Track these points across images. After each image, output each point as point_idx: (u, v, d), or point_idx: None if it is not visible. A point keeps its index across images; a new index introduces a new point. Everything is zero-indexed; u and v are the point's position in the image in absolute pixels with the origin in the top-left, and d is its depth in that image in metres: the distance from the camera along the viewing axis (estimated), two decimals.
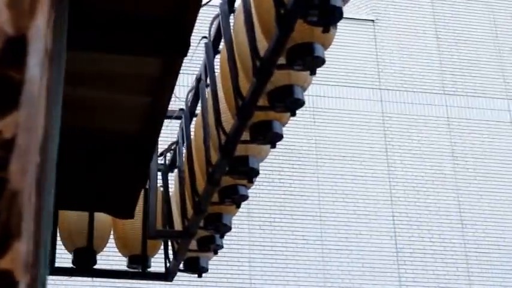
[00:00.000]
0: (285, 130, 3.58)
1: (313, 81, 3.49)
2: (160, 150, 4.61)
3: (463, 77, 12.33)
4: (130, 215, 4.36)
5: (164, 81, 3.31)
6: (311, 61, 3.12)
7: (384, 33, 12.42)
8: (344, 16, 3.05)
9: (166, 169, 4.64)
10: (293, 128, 10.45)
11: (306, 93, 3.41)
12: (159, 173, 4.57)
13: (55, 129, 1.59)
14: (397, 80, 12.14)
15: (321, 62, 3.14)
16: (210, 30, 3.82)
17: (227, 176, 3.78)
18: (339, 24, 3.06)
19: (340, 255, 10.79)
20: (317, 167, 11.26)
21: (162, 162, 4.67)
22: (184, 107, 4.33)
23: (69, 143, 3.78)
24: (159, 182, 4.52)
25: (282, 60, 3.15)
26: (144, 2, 2.90)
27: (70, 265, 4.53)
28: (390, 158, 11.59)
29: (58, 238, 4.55)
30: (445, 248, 11.21)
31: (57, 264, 4.48)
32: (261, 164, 3.76)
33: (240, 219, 10.03)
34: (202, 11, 5.21)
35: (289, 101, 3.32)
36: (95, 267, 4.58)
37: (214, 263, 5.12)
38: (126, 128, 3.72)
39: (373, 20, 12.47)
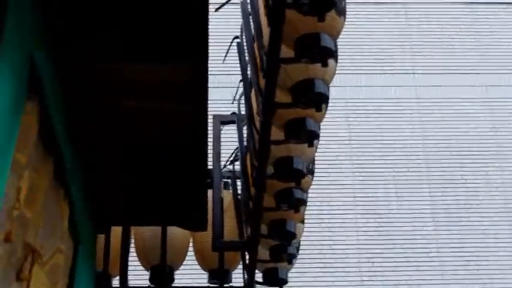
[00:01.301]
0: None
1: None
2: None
3: None
4: (202, 227, 4.31)
5: (193, 86, 3.26)
6: (318, 52, 2.97)
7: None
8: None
9: (235, 177, 4.55)
10: None
11: None
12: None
13: None
14: None
15: (329, 52, 2.97)
16: (241, 30, 3.73)
17: (273, 179, 3.67)
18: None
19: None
20: None
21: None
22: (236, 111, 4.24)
23: (128, 158, 3.82)
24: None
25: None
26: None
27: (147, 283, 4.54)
28: None
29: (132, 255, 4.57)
30: None
31: (136, 283, 4.49)
32: None
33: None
34: (234, 10, 5.10)
35: (310, 96, 3.17)
36: (173, 284, 4.56)
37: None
38: (174, 138, 3.68)
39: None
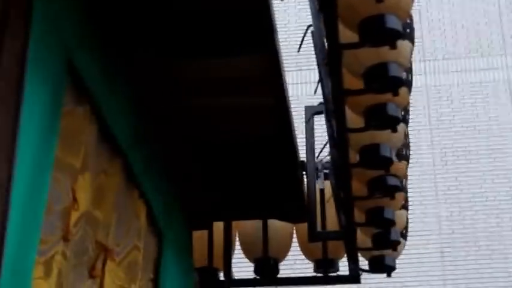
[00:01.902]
0: None
1: None
2: None
3: None
4: (300, 219, 4.28)
5: (269, 77, 3.23)
6: (383, 34, 2.86)
7: None
8: None
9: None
10: None
11: None
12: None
13: None
14: None
15: (395, 33, 2.85)
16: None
17: (360, 167, 3.57)
18: None
19: None
20: None
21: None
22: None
23: (218, 155, 3.83)
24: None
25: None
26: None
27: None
28: None
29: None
30: None
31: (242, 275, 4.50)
32: None
33: None
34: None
35: (383, 80, 3.06)
36: (278, 275, 4.54)
37: None
38: (260, 131, 3.66)
39: None
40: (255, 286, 4.53)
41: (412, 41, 3.16)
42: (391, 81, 3.06)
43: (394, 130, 3.31)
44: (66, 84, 2.32)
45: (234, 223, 4.51)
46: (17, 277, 1.97)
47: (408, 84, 3.34)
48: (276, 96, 3.37)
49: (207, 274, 4.39)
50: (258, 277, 4.52)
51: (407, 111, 3.56)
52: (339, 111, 3.18)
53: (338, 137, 3.34)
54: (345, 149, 3.37)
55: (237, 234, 4.62)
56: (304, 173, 4.18)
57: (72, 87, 2.43)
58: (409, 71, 3.36)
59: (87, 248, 2.63)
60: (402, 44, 3.02)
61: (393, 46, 2.89)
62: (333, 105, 3.17)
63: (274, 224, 4.49)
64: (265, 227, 4.45)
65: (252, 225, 4.54)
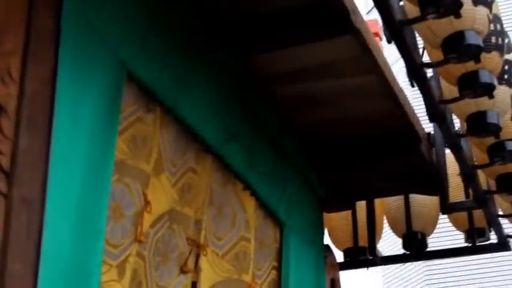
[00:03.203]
0: None
1: None
2: None
3: None
4: (436, 191, 4.24)
5: (362, 57, 3.25)
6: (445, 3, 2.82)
7: None
8: None
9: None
10: None
11: None
12: None
13: None
14: None
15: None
16: None
17: (469, 136, 3.54)
18: None
19: None
20: None
21: None
22: None
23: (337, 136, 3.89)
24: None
25: None
26: None
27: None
28: None
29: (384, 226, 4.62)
30: None
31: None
32: None
33: None
34: None
35: (461, 49, 3.03)
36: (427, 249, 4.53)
37: None
38: (375, 109, 3.66)
39: None
40: (404, 261, 4.56)
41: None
42: (468, 49, 3.02)
43: (491, 96, 3.26)
44: (124, 95, 2.43)
45: (381, 201, 4.57)
46: (80, 280, 2.11)
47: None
48: (375, 74, 3.37)
49: (353, 253, 4.48)
50: (407, 252, 4.54)
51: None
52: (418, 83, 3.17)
53: (428, 109, 3.33)
54: (442, 121, 3.35)
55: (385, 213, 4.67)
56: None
57: (137, 96, 2.57)
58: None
59: (175, 245, 2.78)
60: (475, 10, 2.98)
61: (458, 15, 2.86)
62: (408, 78, 3.17)
63: (416, 198, 4.49)
64: (407, 202, 4.47)
65: (395, 202, 4.57)
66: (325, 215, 4.32)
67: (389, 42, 2.96)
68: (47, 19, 2.07)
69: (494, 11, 3.25)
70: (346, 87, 3.46)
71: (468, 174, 3.82)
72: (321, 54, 3.25)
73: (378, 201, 4.53)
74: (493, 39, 3.22)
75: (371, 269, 4.55)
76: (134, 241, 2.49)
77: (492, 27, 3.22)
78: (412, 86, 3.23)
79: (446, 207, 4.08)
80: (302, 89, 3.50)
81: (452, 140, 3.58)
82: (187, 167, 2.90)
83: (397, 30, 2.90)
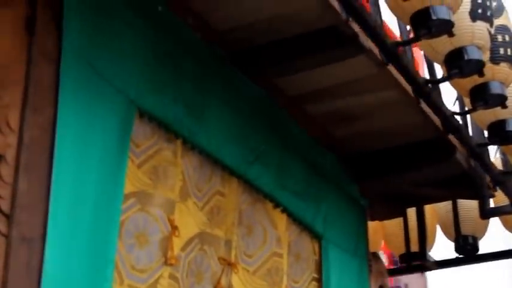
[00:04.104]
0: None
1: None
2: None
3: None
4: (477, 196, 4.32)
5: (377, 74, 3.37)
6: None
7: None
8: None
9: None
10: None
11: None
12: None
13: None
14: None
15: None
16: None
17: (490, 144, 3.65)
18: None
19: None
20: None
21: None
22: None
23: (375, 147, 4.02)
24: None
25: None
26: None
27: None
28: None
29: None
30: None
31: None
32: None
33: None
34: None
35: (463, 64, 3.15)
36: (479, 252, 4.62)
37: None
38: (404, 120, 3.79)
39: None
40: (456, 265, 4.66)
41: None
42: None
43: (504, 106, 3.36)
44: (139, 129, 2.61)
45: (432, 207, 4.69)
46: None
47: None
48: (395, 88, 3.48)
49: (407, 259, 4.62)
50: (460, 256, 4.65)
51: None
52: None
53: (442, 120, 3.45)
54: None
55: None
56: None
57: (155, 129, 2.72)
58: None
59: (208, 265, 2.95)
60: None
61: None
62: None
63: (464, 203, 4.60)
64: (455, 207, 4.58)
65: (445, 208, 4.69)
66: (380, 223, 4.47)
67: (386, 64, 3.08)
68: (46, 67, 2.22)
69: (502, 22, 3.33)
70: (374, 101, 3.57)
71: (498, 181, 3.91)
72: (342, 74, 3.38)
73: (429, 207, 4.65)
74: (501, 51, 3.30)
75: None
76: (164, 264, 2.67)
77: (500, 38, 3.30)
78: (418, 103, 3.35)
79: (486, 212, 4.18)
80: (331, 107, 3.64)
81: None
82: (214, 190, 3.07)
83: (392, 53, 3.03)
